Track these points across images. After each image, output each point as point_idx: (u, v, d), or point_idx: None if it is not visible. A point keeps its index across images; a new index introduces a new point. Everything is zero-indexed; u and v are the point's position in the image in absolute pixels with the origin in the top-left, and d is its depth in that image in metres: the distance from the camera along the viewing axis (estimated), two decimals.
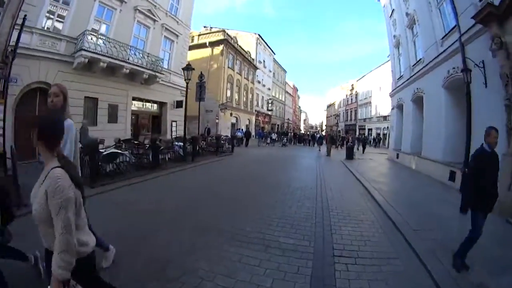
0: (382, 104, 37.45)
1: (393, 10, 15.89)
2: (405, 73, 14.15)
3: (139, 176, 7.97)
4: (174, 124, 18.03)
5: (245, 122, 34.21)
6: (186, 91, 12.48)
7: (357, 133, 44.67)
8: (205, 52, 27.20)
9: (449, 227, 4.49)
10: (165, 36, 16.77)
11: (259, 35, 38.67)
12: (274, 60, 47.63)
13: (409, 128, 13.23)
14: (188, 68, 12.24)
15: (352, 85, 54.37)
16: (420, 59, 11.99)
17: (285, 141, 27.67)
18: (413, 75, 12.73)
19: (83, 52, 10.82)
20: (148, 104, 16.62)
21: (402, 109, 14.82)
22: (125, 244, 3.36)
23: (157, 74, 14.76)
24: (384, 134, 35.80)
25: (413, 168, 11.96)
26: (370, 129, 41.94)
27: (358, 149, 26.69)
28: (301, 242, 3.84)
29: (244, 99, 34.06)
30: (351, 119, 54.40)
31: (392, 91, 17.26)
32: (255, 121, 38.07)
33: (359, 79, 49.73)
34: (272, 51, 45.31)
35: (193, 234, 3.93)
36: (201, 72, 15.21)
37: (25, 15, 7.52)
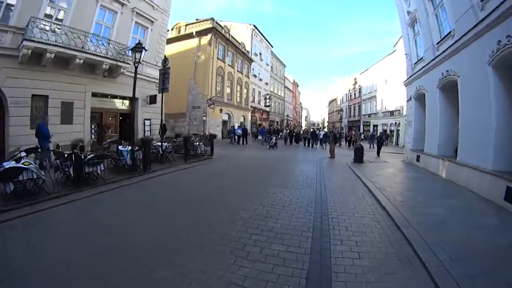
0: (388, 98, 34.92)
1: None
2: (426, 54, 11.46)
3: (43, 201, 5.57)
4: (147, 122, 15.61)
5: (239, 119, 31.97)
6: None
7: (361, 130, 41.96)
8: (192, 43, 25.58)
9: None
10: (136, 22, 14.72)
11: (254, 26, 36.68)
12: (272, 53, 45.38)
13: (435, 123, 10.54)
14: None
15: (355, 79, 51.72)
16: (449, 32, 9.31)
17: (273, 141, 20.26)
18: (439, 55, 10.05)
19: (25, 43, 9.21)
20: (116, 101, 14.22)
21: (424, 100, 12.12)
22: None
23: (119, 63, 12.40)
24: (391, 131, 33.13)
25: (443, 177, 9.31)
26: (375, 125, 39.24)
27: (371, 147, 24.01)
28: None
29: (238, 94, 31.97)
30: (354, 115, 51.83)
31: (407, 79, 14.54)
32: (251, 118, 35.76)
33: (362, 73, 47.16)
34: (270, 43, 43.05)
35: None
36: (165, 56, 12.83)
37: None
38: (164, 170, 9.76)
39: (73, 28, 10.78)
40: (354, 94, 52.81)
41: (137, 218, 4.86)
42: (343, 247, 3.80)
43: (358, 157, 13.01)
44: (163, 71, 11.80)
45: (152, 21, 15.61)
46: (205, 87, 24.61)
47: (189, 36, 25.60)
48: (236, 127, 25.76)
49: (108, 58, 12.05)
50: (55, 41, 10.13)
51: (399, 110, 30.65)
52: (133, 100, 9.93)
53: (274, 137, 20.78)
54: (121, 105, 14.63)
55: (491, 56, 6.91)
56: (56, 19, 10.89)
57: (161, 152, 11.11)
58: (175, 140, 13.29)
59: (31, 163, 5.89)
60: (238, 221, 4.71)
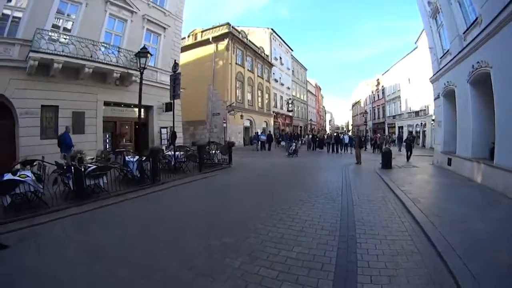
0: (412, 98, 33.27)
1: None
2: (453, 46, 10.46)
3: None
4: (164, 131, 15.48)
5: (262, 125, 31.36)
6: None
7: (387, 132, 40.15)
8: (209, 49, 25.46)
9: None
10: (148, 29, 14.84)
11: (272, 29, 36.13)
12: (292, 57, 44.80)
13: (468, 121, 9.46)
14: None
15: (378, 79, 50.03)
16: (476, 19, 8.39)
17: (293, 148, 18.10)
18: (467, 46, 9.08)
19: (32, 54, 9.48)
20: (130, 109, 14.24)
21: (453, 97, 11.05)
22: None
23: (130, 71, 12.40)
24: (417, 132, 31.32)
25: (479, 182, 8.28)
26: (400, 127, 37.35)
27: (400, 150, 22.75)
28: None
29: (259, 99, 31.43)
30: (378, 117, 49.93)
31: (433, 75, 13.46)
32: (274, 124, 35.16)
33: (384, 73, 45.46)
34: (289, 47, 42.62)
35: None
36: (175, 61, 12.69)
37: None
38: (175, 182, 9.37)
39: (81, 38, 10.91)
40: (378, 95, 50.96)
41: (129, 240, 4.44)
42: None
43: (386, 163, 11.95)
44: (173, 76, 11.57)
45: (164, 28, 15.66)
46: (224, 93, 24.24)
47: (205, 42, 25.47)
48: (259, 133, 25.51)
49: (118, 66, 12.11)
50: (62, 51, 10.23)
51: (425, 110, 28.95)
52: (139, 107, 9.61)
53: (294, 143, 18.83)
54: (136, 113, 14.58)
55: None
56: (64, 29, 11.16)
57: (172, 162, 10.77)
58: (188, 148, 12.86)
59: (28, 176, 5.73)
60: (246, 248, 3.94)
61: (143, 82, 13.90)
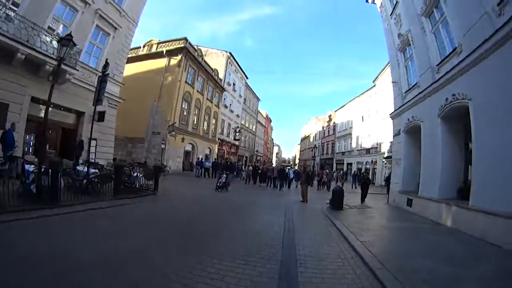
0: (364, 136, 34.46)
1: (397, 3, 12.27)
2: (423, 79, 10.08)
3: None
4: (93, 143, 12.74)
5: (205, 151, 29.64)
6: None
7: (334, 168, 40.82)
8: (161, 63, 23.72)
9: None
10: (97, 26, 13.43)
11: (230, 53, 35.38)
12: (247, 85, 44.44)
13: (436, 160, 8.75)
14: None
15: (330, 115, 51.96)
16: (455, 49, 7.95)
17: (223, 180, 14.12)
18: (441, 78, 8.62)
19: None
20: (60, 112, 12.19)
21: (417, 133, 10.54)
22: None
23: (67, 68, 10.66)
24: (367, 169, 32.11)
25: (449, 226, 7.39)
26: (349, 164, 38.42)
27: (354, 187, 22.16)
28: None
29: (206, 123, 29.73)
30: (327, 153, 51.23)
31: (395, 110, 13.16)
32: (218, 151, 33.36)
33: (337, 109, 47.41)
34: (245, 74, 42.19)
35: None
36: (106, 60, 10.70)
37: None
38: (76, 207, 6.73)
39: (24, 18, 9.42)
40: (328, 131, 52.71)
41: None
42: None
43: (337, 203, 10.43)
44: (101, 78, 9.75)
45: (116, 28, 14.21)
46: (168, 112, 22.42)
47: (159, 55, 23.84)
48: (204, 159, 24.40)
49: (52, 58, 10.07)
50: (0, 28, 8.76)
51: (376, 147, 29.99)
52: (46, 107, 7.50)
53: (225, 175, 14.83)
54: (66, 117, 12.76)
55: None
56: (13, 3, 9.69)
57: (84, 181, 8.30)
58: (104, 167, 10.40)
59: None
60: None
61: (77, 82, 12.27)
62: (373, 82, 31.53)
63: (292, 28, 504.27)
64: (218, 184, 13.95)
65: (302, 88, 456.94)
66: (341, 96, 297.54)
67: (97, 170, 9.26)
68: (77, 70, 11.66)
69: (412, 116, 11.03)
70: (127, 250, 4.25)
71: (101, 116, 12.95)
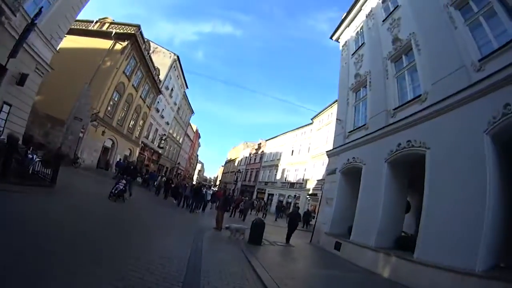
0: (291, 170, 34.95)
1: (363, 43, 12.41)
2: (374, 121, 9.89)
3: None
4: (6, 108, 10.44)
5: (125, 151, 26.41)
6: None
7: (255, 196, 40.28)
8: (106, 44, 21.39)
9: None
10: None
11: (178, 57, 33.71)
12: (184, 94, 42.68)
13: (376, 206, 8.25)
14: None
15: (260, 144, 52.33)
16: (419, 96, 7.87)
17: (120, 187, 10.55)
18: (395, 123, 8.43)
19: None
20: None
21: (355, 175, 10.18)
22: None
23: (5, 8, 8.57)
24: (288, 203, 32.26)
25: (386, 277, 6.73)
26: (271, 194, 38.27)
27: (277, 219, 21.63)
28: None
29: (132, 122, 26.99)
30: (250, 180, 50.83)
31: (334, 148, 12.89)
32: (139, 155, 30.07)
33: (269, 139, 47.96)
34: (186, 83, 40.63)
35: None
36: (41, 8, 8.81)
37: None
38: None
39: None
40: (255, 158, 52.77)
41: None
42: None
43: (256, 237, 9.11)
44: (27, 26, 8.72)
45: None
46: (96, 99, 19.85)
47: (107, 35, 21.54)
48: (122, 161, 22.26)
49: None
50: None
51: (302, 183, 30.38)
52: None
53: (124, 182, 11.00)
54: None
55: (490, 123, 5.36)
56: None
57: None
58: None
59: None
60: None
61: (10, 31, 9.57)
62: (311, 119, 32.66)
63: (245, 53, 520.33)
64: (113, 191, 10.35)
65: (239, 113, 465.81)
66: (275, 129, 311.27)
67: None
68: (15, 16, 9.21)
69: (353, 157, 10.71)
70: None
71: (22, 79, 10.53)
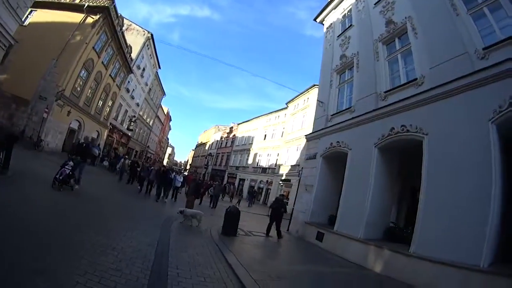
0: (263, 154, 34.39)
1: (350, 25, 11.73)
2: (361, 104, 9.34)
3: None
4: None
5: (92, 133, 24.28)
6: None
7: (225, 181, 39.56)
8: (77, 18, 19.58)
9: None
10: None
11: (152, 35, 31.53)
12: (156, 75, 40.54)
13: (363, 194, 7.77)
14: None
15: (232, 127, 51.21)
16: (415, 79, 7.35)
17: (68, 171, 8.05)
18: (386, 106, 7.91)
19: None
20: None
21: (338, 160, 9.72)
22: None
23: None
24: (260, 188, 31.84)
25: (378, 272, 6.31)
26: (242, 179, 37.64)
27: (250, 205, 21.33)
28: None
29: (101, 102, 25.04)
30: (220, 164, 49.79)
31: (314, 132, 12.30)
32: (107, 138, 28.22)
33: (241, 123, 46.97)
34: (159, 63, 38.44)
35: None
36: None
37: None
38: None
39: None
40: (227, 142, 51.66)
41: None
42: None
43: (230, 227, 8.25)
44: None
45: None
46: (62, 76, 18.06)
47: (78, 8, 19.60)
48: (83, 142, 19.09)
49: None
50: None
51: (274, 168, 29.98)
52: None
53: (71, 164, 8.35)
54: None
55: (496, 112, 4.96)
56: None
57: None
58: None
59: None
60: None
61: None
62: (286, 104, 32.00)
63: (221, 37, 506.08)
64: (57, 176, 7.96)
65: (212, 97, 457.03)
66: (247, 114, 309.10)
67: None
68: None
69: (338, 141, 10.14)
70: None
71: None
